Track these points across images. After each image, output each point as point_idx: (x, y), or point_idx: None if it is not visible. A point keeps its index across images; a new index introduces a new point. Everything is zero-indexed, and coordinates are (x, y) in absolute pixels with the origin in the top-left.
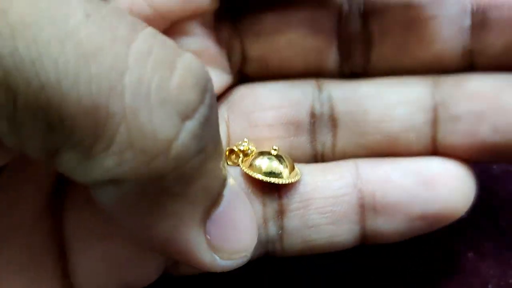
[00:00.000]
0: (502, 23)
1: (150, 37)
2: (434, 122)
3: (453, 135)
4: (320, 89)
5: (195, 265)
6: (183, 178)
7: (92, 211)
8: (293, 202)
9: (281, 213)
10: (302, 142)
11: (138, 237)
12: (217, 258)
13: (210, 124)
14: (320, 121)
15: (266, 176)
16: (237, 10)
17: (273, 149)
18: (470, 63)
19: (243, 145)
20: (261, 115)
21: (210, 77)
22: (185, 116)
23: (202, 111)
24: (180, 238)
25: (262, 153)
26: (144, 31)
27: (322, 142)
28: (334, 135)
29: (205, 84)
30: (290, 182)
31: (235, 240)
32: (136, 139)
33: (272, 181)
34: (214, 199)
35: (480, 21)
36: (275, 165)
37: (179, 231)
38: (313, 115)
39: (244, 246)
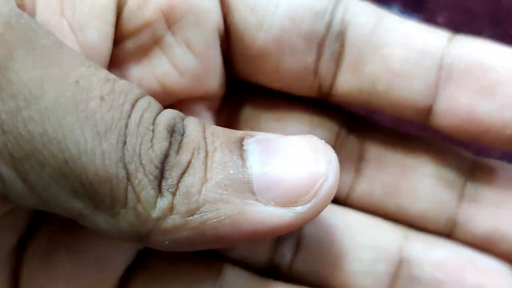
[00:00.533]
0: (493, 204)
1: (143, 106)
2: (395, 276)
3: None
4: None
5: (288, 231)
6: (192, 190)
7: (43, 266)
8: None
9: None
10: (262, 249)
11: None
12: (299, 208)
13: (185, 144)
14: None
15: None
16: (238, 98)
17: None
18: (450, 232)
19: None
20: None
21: (174, 119)
22: (165, 157)
23: (173, 147)
24: (253, 223)
25: None
26: (139, 102)
27: (282, 254)
28: (295, 254)
29: (172, 130)
30: None
31: (295, 180)
32: (140, 193)
33: None
34: (241, 176)
35: (472, 195)
36: None
37: (245, 217)
38: None
39: (313, 174)
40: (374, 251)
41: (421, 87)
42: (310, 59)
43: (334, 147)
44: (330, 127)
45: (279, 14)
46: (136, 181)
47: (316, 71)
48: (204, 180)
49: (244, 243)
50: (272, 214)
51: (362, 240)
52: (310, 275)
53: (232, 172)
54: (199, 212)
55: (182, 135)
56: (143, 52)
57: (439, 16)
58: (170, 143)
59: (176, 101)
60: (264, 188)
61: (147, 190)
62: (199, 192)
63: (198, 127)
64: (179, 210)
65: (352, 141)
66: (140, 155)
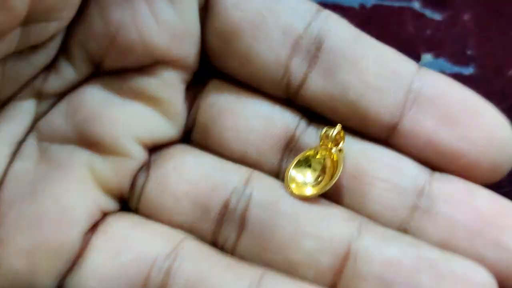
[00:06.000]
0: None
1: None
2: (339, 271)
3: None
4: (247, 183)
5: None
6: None
7: None
8: None
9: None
10: (205, 229)
11: None
12: None
13: None
14: (229, 215)
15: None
16: (201, 80)
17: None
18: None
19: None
20: (175, 184)
21: None
22: None
23: None
24: None
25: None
26: None
27: (226, 236)
28: (238, 236)
29: None
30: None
31: None
32: None
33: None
34: None
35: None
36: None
37: None
38: (225, 206)
39: None
40: (318, 242)
41: (389, 103)
42: (284, 52)
43: (293, 137)
44: (291, 115)
45: (259, 0)
46: None
47: (287, 67)
48: None
49: None
50: None
51: (308, 229)
52: (253, 260)
53: None
54: None
55: None
56: None
57: (465, 14)
58: None
59: (153, 61)
60: None
61: None
62: None
63: None
64: None
65: (310, 135)
66: None
